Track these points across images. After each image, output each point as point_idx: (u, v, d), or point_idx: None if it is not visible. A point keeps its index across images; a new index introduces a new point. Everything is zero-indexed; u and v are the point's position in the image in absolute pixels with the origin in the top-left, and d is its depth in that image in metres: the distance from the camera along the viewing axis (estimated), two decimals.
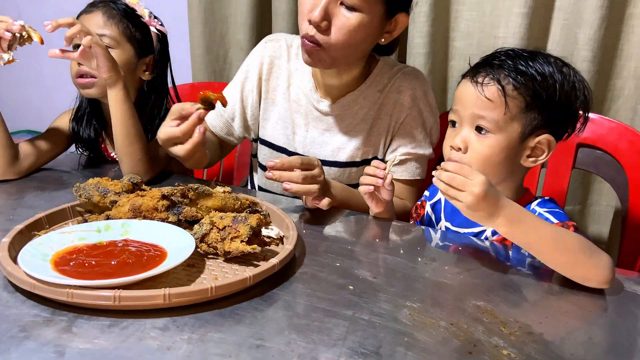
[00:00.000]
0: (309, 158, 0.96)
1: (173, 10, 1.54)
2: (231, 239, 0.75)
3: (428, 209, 1.10)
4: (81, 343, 0.59)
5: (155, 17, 1.25)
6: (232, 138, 1.25)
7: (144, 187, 0.92)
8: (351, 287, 0.74)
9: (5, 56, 1.01)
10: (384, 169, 0.94)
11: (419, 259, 0.85)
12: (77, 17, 1.18)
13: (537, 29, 1.42)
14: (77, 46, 1.04)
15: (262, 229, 0.79)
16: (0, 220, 0.90)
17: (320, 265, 0.80)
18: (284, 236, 0.85)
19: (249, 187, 1.39)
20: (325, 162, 1.16)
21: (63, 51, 1.02)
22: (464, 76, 0.95)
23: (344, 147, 1.16)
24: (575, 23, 1.38)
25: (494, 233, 0.96)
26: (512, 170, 0.94)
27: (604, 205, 1.51)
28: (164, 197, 0.84)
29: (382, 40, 1.07)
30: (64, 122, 1.26)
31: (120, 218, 0.83)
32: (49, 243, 0.74)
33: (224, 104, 0.95)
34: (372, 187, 0.95)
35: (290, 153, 1.19)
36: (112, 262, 0.71)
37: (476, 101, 0.90)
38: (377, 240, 0.93)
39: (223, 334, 0.62)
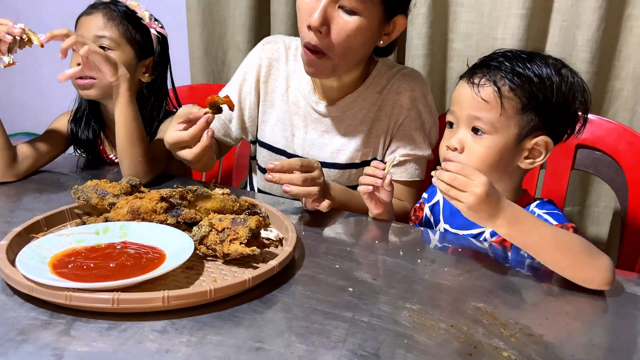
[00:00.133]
0: (309, 160, 0.95)
1: (171, 12, 1.54)
2: (230, 241, 0.75)
3: (427, 210, 1.09)
4: (79, 346, 0.59)
5: (155, 20, 1.25)
6: (230, 139, 1.25)
7: (142, 189, 0.92)
8: (351, 289, 0.74)
9: (6, 59, 1.01)
10: (383, 169, 0.94)
11: (419, 260, 0.84)
12: (77, 19, 1.18)
13: (536, 30, 1.42)
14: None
15: (261, 231, 0.79)
16: None
17: (319, 267, 0.80)
18: (283, 238, 0.85)
19: (248, 189, 1.39)
20: (324, 164, 1.16)
21: (71, 74, 1.04)
22: (461, 77, 0.95)
23: (343, 149, 1.16)
24: (573, 24, 1.38)
25: (493, 235, 0.96)
26: (508, 171, 0.93)
27: (603, 206, 1.51)
28: (162, 199, 0.84)
29: (381, 42, 1.07)
30: (62, 124, 1.26)
31: (118, 220, 0.83)
32: (47, 245, 0.74)
33: (231, 108, 0.95)
34: (371, 187, 0.95)
35: (289, 155, 1.19)
36: (111, 265, 0.70)
37: (472, 102, 0.90)
38: (377, 241, 0.93)
39: (222, 337, 0.61)
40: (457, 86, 0.95)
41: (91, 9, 1.17)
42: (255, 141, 1.26)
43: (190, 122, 0.94)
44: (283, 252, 0.76)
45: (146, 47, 1.21)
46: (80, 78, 1.13)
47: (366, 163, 1.16)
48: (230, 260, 0.77)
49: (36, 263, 0.69)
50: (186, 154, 0.95)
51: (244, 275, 0.69)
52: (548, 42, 1.44)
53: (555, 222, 0.90)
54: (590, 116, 1.20)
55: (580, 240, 0.78)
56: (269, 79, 1.20)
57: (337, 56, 1.01)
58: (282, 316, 0.67)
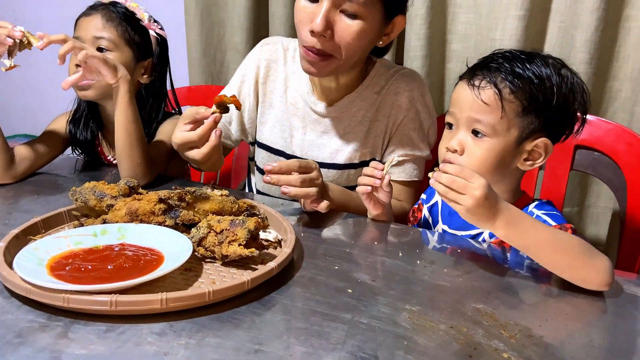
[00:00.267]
0: (307, 161, 0.95)
1: (170, 14, 1.53)
2: (229, 242, 0.75)
3: (425, 212, 1.09)
4: (77, 349, 0.58)
5: (155, 21, 1.25)
6: (230, 141, 1.24)
7: (140, 190, 0.91)
8: (350, 291, 0.73)
9: (7, 62, 1.01)
10: (382, 170, 0.94)
11: (418, 261, 0.84)
12: (77, 20, 1.18)
13: (534, 31, 1.42)
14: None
15: (260, 232, 0.78)
16: None
17: (318, 268, 0.80)
18: (282, 239, 0.85)
19: (247, 190, 1.39)
20: (323, 165, 1.16)
21: (73, 80, 1.04)
22: (461, 78, 0.95)
23: (342, 149, 1.16)
24: (571, 25, 1.38)
25: (491, 236, 0.96)
26: (507, 173, 0.93)
27: (601, 207, 1.51)
28: (160, 200, 0.83)
29: (381, 42, 1.07)
30: (60, 125, 1.26)
31: (116, 222, 0.82)
32: (45, 248, 0.74)
33: (238, 107, 0.95)
34: (369, 188, 0.95)
35: (288, 156, 1.19)
36: (109, 267, 0.70)
37: (472, 104, 0.89)
38: (376, 243, 0.93)
39: (221, 339, 0.61)
40: (457, 87, 0.94)
41: (90, 10, 1.17)
42: (254, 142, 1.26)
43: (197, 122, 0.94)
44: (282, 254, 0.76)
45: (145, 49, 1.21)
46: None
47: (365, 163, 1.16)
48: (229, 262, 0.77)
49: (34, 265, 0.69)
50: (195, 154, 0.95)
51: (243, 277, 0.69)
52: (546, 43, 1.44)
53: (553, 223, 0.90)
54: (588, 117, 1.20)
55: (578, 241, 0.78)
56: (268, 80, 1.20)
57: (341, 58, 1.01)
58: (281, 318, 0.67)
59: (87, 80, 1.08)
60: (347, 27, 0.98)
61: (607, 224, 1.50)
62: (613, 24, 1.36)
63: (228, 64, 1.83)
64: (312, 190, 0.93)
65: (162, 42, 1.26)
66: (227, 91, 1.22)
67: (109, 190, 0.88)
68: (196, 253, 0.77)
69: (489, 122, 0.88)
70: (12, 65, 1.01)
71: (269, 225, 0.85)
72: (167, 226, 0.82)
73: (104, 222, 0.83)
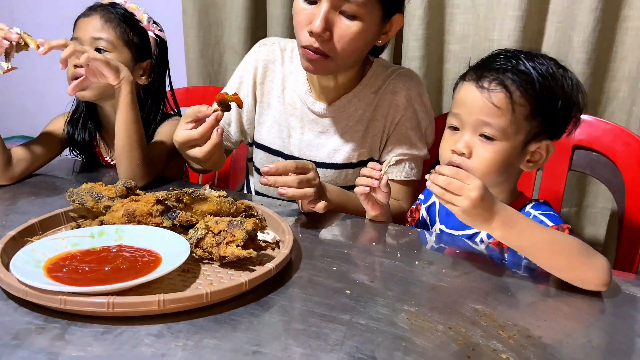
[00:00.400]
0: (304, 162, 0.95)
1: (167, 14, 1.53)
2: (226, 243, 0.75)
3: (423, 212, 1.09)
4: (74, 351, 0.58)
5: (154, 22, 1.25)
6: (229, 143, 1.24)
7: (138, 191, 0.91)
8: (348, 292, 0.73)
9: (4, 65, 1.01)
10: (380, 170, 0.93)
11: (416, 262, 0.84)
12: (76, 21, 1.18)
13: (532, 32, 1.42)
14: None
15: (257, 233, 0.78)
16: None
17: (316, 269, 0.79)
18: (280, 240, 0.85)
19: (245, 191, 1.39)
20: (321, 165, 1.16)
21: (77, 84, 1.04)
22: (463, 78, 0.93)
23: (340, 149, 1.16)
24: (569, 25, 1.38)
25: (489, 236, 0.96)
26: (510, 174, 0.94)
27: (600, 207, 1.51)
28: (158, 201, 0.83)
29: (379, 41, 1.07)
30: (58, 126, 1.25)
31: (114, 223, 0.82)
32: (42, 249, 0.73)
33: (240, 105, 0.95)
34: (367, 189, 0.95)
35: (286, 156, 1.19)
36: (106, 268, 0.70)
37: (482, 107, 0.88)
38: (374, 243, 0.93)
39: (218, 340, 0.61)
40: (463, 89, 0.92)
41: (89, 11, 1.17)
42: (252, 143, 1.26)
43: (198, 120, 0.93)
44: (280, 255, 0.76)
45: (144, 50, 1.21)
46: (76, 79, 1.12)
47: (363, 163, 1.16)
48: (227, 263, 0.77)
49: (31, 267, 0.69)
50: (196, 152, 0.95)
51: (241, 278, 0.69)
52: (544, 44, 1.44)
53: (551, 223, 0.90)
54: (586, 117, 1.21)
55: (575, 241, 0.78)
56: (265, 80, 1.20)
57: (341, 59, 1.01)
58: (279, 319, 0.66)
59: (82, 77, 1.08)
60: (347, 28, 0.98)
61: (605, 224, 1.50)
62: (610, 24, 1.37)
63: (226, 65, 1.83)
64: (310, 190, 0.93)
65: (162, 43, 1.26)
66: (227, 91, 1.22)
67: (106, 191, 0.88)
68: (194, 254, 0.77)
69: (499, 125, 0.87)
70: (10, 67, 1.01)
71: (267, 226, 0.85)
72: (164, 227, 0.82)
73: (102, 223, 0.83)
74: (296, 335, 0.63)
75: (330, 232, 0.95)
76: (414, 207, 1.13)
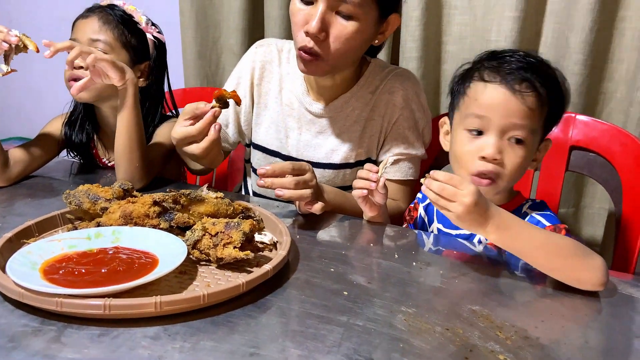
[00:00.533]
0: (300, 163, 0.95)
1: (165, 15, 1.53)
2: (224, 245, 0.74)
3: (421, 211, 1.09)
4: (70, 353, 0.58)
5: (153, 24, 1.25)
6: (227, 144, 1.24)
7: (135, 193, 0.91)
8: (345, 293, 0.73)
9: (4, 67, 1.01)
10: (377, 172, 0.93)
11: (414, 263, 0.84)
12: (74, 23, 1.18)
13: (529, 33, 1.42)
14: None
15: (255, 235, 0.78)
16: None
17: (314, 270, 0.79)
18: (277, 242, 0.85)
19: (243, 192, 1.39)
20: (319, 165, 1.16)
21: (82, 85, 1.04)
22: (480, 79, 0.90)
23: (337, 149, 1.16)
24: (566, 26, 1.38)
25: None
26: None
27: (597, 207, 1.51)
28: (155, 203, 0.83)
29: (376, 41, 1.08)
30: (55, 128, 1.25)
31: (111, 225, 0.82)
32: (38, 251, 0.73)
33: (238, 102, 0.96)
34: (365, 192, 0.95)
35: (283, 157, 1.19)
36: (103, 270, 0.69)
37: (515, 110, 0.86)
38: (372, 244, 0.93)
39: (216, 342, 0.61)
40: (488, 90, 0.89)
41: (87, 13, 1.17)
42: (250, 144, 1.26)
43: (197, 117, 0.94)
44: (277, 256, 0.76)
45: (142, 52, 1.21)
46: (74, 81, 1.12)
47: (360, 163, 1.16)
48: (224, 265, 0.76)
49: (27, 269, 0.68)
50: (194, 148, 0.95)
51: (238, 279, 0.69)
52: (541, 44, 1.44)
53: (548, 224, 0.90)
54: (584, 118, 1.21)
55: (571, 242, 0.78)
56: (262, 81, 1.20)
57: (334, 59, 1.01)
58: (277, 321, 0.66)
59: (79, 78, 1.08)
60: (343, 29, 0.98)
61: (603, 224, 1.50)
62: (608, 25, 1.37)
63: (223, 66, 1.83)
64: (307, 192, 0.93)
65: (160, 45, 1.25)
66: None
67: (103, 193, 0.88)
68: (191, 256, 0.77)
69: (531, 127, 0.87)
70: (9, 70, 1.01)
71: (264, 227, 0.85)
72: (161, 229, 0.81)
73: (98, 225, 0.83)
74: (293, 336, 0.63)
75: (327, 233, 0.95)
76: (412, 205, 1.13)
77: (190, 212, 0.85)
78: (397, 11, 1.06)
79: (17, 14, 2.39)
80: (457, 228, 0.99)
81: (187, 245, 0.75)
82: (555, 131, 1.21)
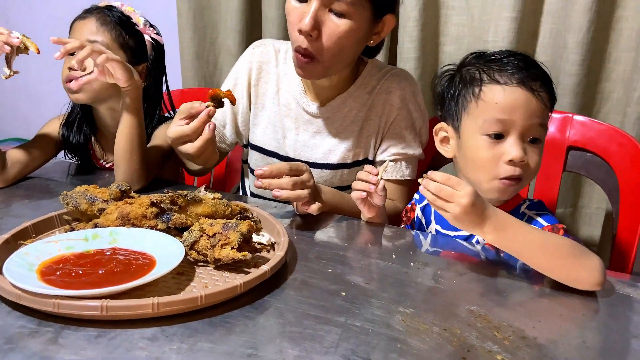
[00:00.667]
0: (297, 164, 0.95)
1: (162, 16, 1.53)
2: (221, 246, 0.74)
3: (418, 212, 1.09)
4: (68, 354, 0.58)
5: (151, 26, 1.25)
6: (225, 145, 1.24)
7: (132, 194, 0.91)
8: (343, 294, 0.73)
9: (7, 71, 1.01)
10: (376, 175, 0.93)
11: (412, 264, 0.84)
12: (72, 24, 1.18)
13: (526, 33, 1.43)
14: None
15: (252, 236, 0.78)
16: None
17: (312, 271, 0.79)
18: (275, 242, 0.85)
19: (241, 193, 1.38)
20: (316, 165, 1.16)
21: (85, 82, 1.05)
22: (494, 81, 0.89)
23: (334, 149, 1.16)
24: (563, 27, 1.39)
25: None
26: None
27: (594, 207, 1.52)
28: (152, 204, 0.83)
29: (371, 42, 1.08)
30: (53, 129, 1.25)
31: (108, 226, 0.82)
32: (35, 252, 0.73)
33: (233, 102, 0.96)
34: (364, 193, 0.95)
35: (281, 157, 1.19)
36: (100, 271, 0.69)
37: (536, 110, 0.87)
38: (369, 245, 0.93)
39: (213, 344, 0.61)
40: (507, 93, 0.87)
41: (85, 14, 1.17)
42: (247, 145, 1.26)
43: (192, 117, 0.94)
44: (275, 257, 0.76)
45: (140, 53, 1.21)
46: (70, 81, 1.12)
47: (358, 163, 1.16)
48: (222, 266, 0.76)
49: (24, 270, 0.68)
50: (188, 148, 0.95)
51: (236, 280, 0.69)
52: (538, 45, 1.44)
53: (545, 224, 0.90)
54: (581, 118, 1.22)
55: (568, 242, 0.78)
56: (260, 82, 1.20)
57: (327, 59, 1.01)
58: (274, 322, 0.66)
59: (75, 78, 1.08)
60: (336, 27, 0.98)
61: (600, 224, 1.51)
62: (605, 25, 1.37)
63: (221, 67, 1.83)
64: (304, 192, 0.93)
65: (158, 47, 1.25)
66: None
67: (100, 194, 0.87)
68: (188, 257, 0.77)
69: (546, 124, 0.89)
70: (11, 73, 1.01)
71: (262, 228, 0.85)
72: (159, 230, 0.81)
73: (96, 226, 0.83)
74: (291, 337, 0.63)
75: (325, 234, 0.95)
76: (409, 206, 1.13)
77: (188, 213, 0.85)
78: (392, 12, 1.06)
79: (15, 14, 2.39)
80: (455, 229, 0.99)
81: (185, 246, 0.75)
82: (553, 131, 1.21)
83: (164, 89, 1.31)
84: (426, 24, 1.48)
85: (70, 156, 1.28)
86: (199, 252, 0.76)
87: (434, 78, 1.04)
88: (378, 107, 1.14)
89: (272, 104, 1.19)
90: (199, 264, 0.78)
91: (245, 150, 1.28)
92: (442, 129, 0.99)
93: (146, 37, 1.22)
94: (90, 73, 1.08)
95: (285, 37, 1.52)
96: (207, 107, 0.93)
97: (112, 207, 0.84)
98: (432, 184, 0.78)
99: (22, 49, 1.01)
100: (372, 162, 1.18)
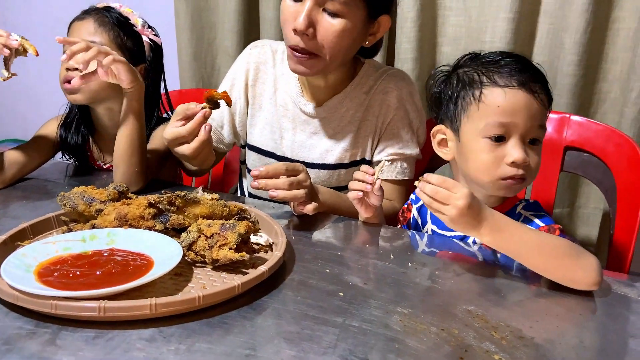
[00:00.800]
0: (294, 164, 0.96)
1: (160, 17, 1.53)
2: (219, 246, 0.74)
3: (414, 212, 1.10)
4: (65, 356, 0.58)
5: (149, 27, 1.25)
6: (222, 145, 1.24)
7: (130, 195, 0.91)
8: (341, 294, 0.73)
9: (5, 73, 1.01)
10: (373, 174, 0.93)
11: (409, 264, 0.84)
12: (70, 24, 1.18)
13: (524, 34, 1.43)
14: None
15: (250, 236, 0.78)
16: None
17: (309, 271, 0.79)
18: (273, 243, 0.85)
19: (239, 193, 1.38)
20: (313, 165, 1.16)
21: (84, 77, 1.04)
22: (493, 84, 0.89)
23: (332, 150, 1.16)
24: (560, 27, 1.39)
25: None
26: None
27: (592, 207, 1.52)
28: (150, 205, 0.83)
29: (367, 42, 1.08)
30: (50, 130, 1.25)
31: (105, 227, 0.82)
32: (33, 254, 0.73)
33: (229, 103, 0.96)
34: (361, 193, 0.95)
35: (278, 157, 1.19)
36: (98, 272, 0.69)
37: (537, 112, 0.88)
38: (367, 245, 0.93)
39: (211, 344, 0.61)
40: (509, 96, 0.87)
41: (83, 14, 1.17)
42: (245, 145, 1.26)
43: (188, 118, 0.94)
44: (273, 257, 0.76)
45: (138, 54, 1.21)
46: (68, 82, 1.12)
47: (355, 163, 1.16)
48: (220, 266, 0.76)
49: (21, 272, 0.68)
50: (184, 149, 0.95)
51: (233, 281, 0.69)
52: (535, 45, 1.45)
53: (542, 224, 0.91)
54: (578, 118, 1.22)
55: (564, 242, 0.78)
56: (257, 82, 1.20)
57: (325, 56, 1.02)
58: (272, 322, 0.66)
59: (72, 78, 1.08)
60: (330, 26, 0.98)
61: (598, 224, 1.51)
62: (602, 25, 1.37)
63: (219, 67, 1.83)
64: (300, 192, 0.93)
65: (156, 48, 1.25)
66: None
67: (97, 195, 0.87)
68: (186, 258, 0.76)
69: (544, 126, 0.90)
70: (9, 75, 1.01)
71: (259, 228, 0.85)
72: (156, 231, 0.81)
73: (93, 227, 0.83)
74: (289, 338, 0.63)
75: (323, 234, 0.95)
76: (405, 206, 1.13)
77: (186, 213, 0.85)
78: (387, 13, 1.07)
79: (13, 15, 2.38)
80: (451, 230, 1.00)
81: (183, 247, 0.75)
82: (550, 132, 1.21)
83: (162, 90, 1.31)
84: (424, 25, 1.49)
85: (67, 157, 1.28)
86: (196, 252, 0.76)
87: (428, 79, 1.04)
88: (375, 107, 1.14)
89: (269, 104, 1.19)
90: (197, 264, 0.78)
91: (243, 150, 1.28)
92: (440, 132, 0.99)
93: (144, 38, 1.22)
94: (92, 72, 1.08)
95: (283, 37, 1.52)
96: (203, 108, 0.93)
97: (109, 208, 0.84)
98: (429, 186, 0.78)
99: (20, 51, 1.01)
100: (370, 163, 1.18)
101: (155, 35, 1.25)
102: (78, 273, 0.69)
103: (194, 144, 0.94)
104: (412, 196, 1.13)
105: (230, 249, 0.74)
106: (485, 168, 0.90)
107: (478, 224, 0.77)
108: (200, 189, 0.91)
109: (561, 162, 1.22)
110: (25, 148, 1.18)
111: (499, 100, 0.88)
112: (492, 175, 0.89)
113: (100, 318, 0.62)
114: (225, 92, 0.95)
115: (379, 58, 1.48)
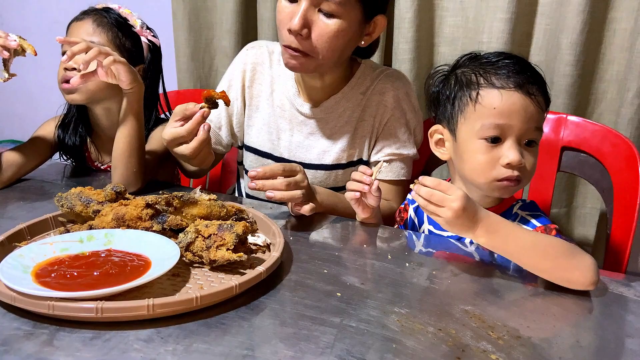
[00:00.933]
0: (291, 165, 0.96)
1: (157, 17, 1.53)
2: (217, 247, 0.74)
3: (411, 212, 1.10)
4: (63, 356, 0.58)
5: (148, 28, 1.25)
6: (221, 147, 1.24)
7: (127, 195, 0.91)
8: (339, 294, 0.73)
9: (5, 74, 1.01)
10: (371, 175, 0.94)
11: (407, 264, 0.84)
12: (68, 25, 1.17)
13: (520, 34, 1.43)
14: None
15: (248, 237, 0.78)
16: None
17: (307, 272, 0.79)
18: (270, 243, 0.85)
19: (236, 194, 1.38)
20: (311, 166, 1.16)
21: (84, 76, 1.03)
22: (490, 85, 0.89)
23: (329, 150, 1.16)
24: (557, 28, 1.39)
25: None
26: None
27: (589, 207, 1.52)
28: (148, 205, 0.83)
29: (362, 42, 1.08)
30: (48, 131, 1.25)
31: (103, 228, 0.82)
32: (30, 254, 0.73)
33: (227, 103, 0.96)
34: (358, 194, 0.95)
35: (275, 158, 1.19)
36: (95, 273, 0.69)
37: (533, 114, 0.88)
38: (365, 245, 0.93)
39: (209, 345, 0.61)
40: (505, 98, 0.87)
41: (82, 15, 1.17)
42: (242, 146, 1.26)
43: (187, 118, 0.94)
44: (270, 258, 0.76)
45: (136, 55, 1.21)
46: (66, 82, 1.12)
47: (352, 164, 1.17)
48: (217, 267, 0.76)
49: (19, 272, 0.68)
50: (183, 149, 0.95)
51: (231, 281, 0.69)
52: (532, 46, 1.45)
53: (538, 224, 0.91)
54: (575, 118, 1.22)
55: (560, 242, 0.79)
56: (254, 83, 1.20)
57: (320, 57, 1.02)
58: (270, 322, 0.66)
59: (81, 80, 1.08)
60: (325, 27, 0.99)
61: (595, 224, 1.51)
62: (598, 26, 1.38)
63: (217, 68, 1.83)
64: (298, 193, 0.93)
65: (155, 49, 1.25)
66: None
67: (95, 195, 0.87)
68: (184, 258, 0.77)
69: (541, 128, 0.90)
70: (9, 76, 1.01)
71: (257, 229, 0.85)
72: (154, 231, 0.81)
73: (91, 228, 0.83)
74: (287, 338, 0.63)
75: (320, 235, 0.95)
76: (402, 207, 1.13)
77: (183, 214, 0.85)
78: (383, 13, 1.07)
79: (11, 16, 2.38)
80: (447, 230, 1.00)
81: (180, 248, 0.75)
82: (547, 132, 1.22)
83: (160, 91, 1.31)
84: (421, 25, 1.49)
85: (65, 158, 1.28)
86: (194, 253, 0.76)
87: (427, 79, 1.04)
88: (372, 108, 1.15)
89: (266, 105, 1.19)
90: (195, 265, 0.78)
91: (240, 151, 1.28)
92: (437, 132, 0.99)
93: (143, 39, 1.22)
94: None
95: None
96: (201, 108, 0.93)
97: (107, 209, 0.84)
98: (424, 189, 0.78)
99: (19, 51, 1.01)
100: (367, 163, 1.18)
101: (154, 36, 1.26)
102: (75, 274, 0.69)
103: (193, 143, 0.94)
104: (409, 196, 1.13)
105: (227, 249, 0.74)
106: (481, 169, 0.90)
107: (473, 225, 0.77)
108: (197, 190, 0.91)
109: (558, 162, 1.23)
110: (23, 149, 1.18)
111: (495, 101, 0.88)
112: (488, 176, 0.89)
113: (98, 319, 0.62)
114: (223, 91, 0.96)
115: (376, 58, 1.48)
